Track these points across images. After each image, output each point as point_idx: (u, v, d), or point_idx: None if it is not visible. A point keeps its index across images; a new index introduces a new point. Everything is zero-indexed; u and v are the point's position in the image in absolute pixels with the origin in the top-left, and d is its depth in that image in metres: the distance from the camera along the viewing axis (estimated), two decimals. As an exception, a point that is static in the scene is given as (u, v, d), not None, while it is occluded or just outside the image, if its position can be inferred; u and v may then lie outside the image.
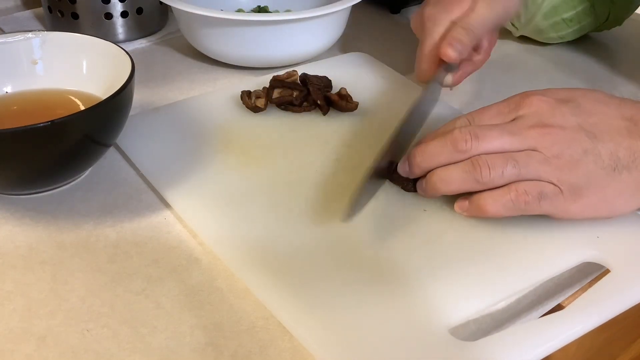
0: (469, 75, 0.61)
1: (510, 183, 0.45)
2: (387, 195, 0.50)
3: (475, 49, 0.60)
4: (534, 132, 0.45)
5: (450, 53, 0.55)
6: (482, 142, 0.45)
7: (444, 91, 0.60)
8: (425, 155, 0.47)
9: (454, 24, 0.57)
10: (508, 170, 0.45)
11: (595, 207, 0.45)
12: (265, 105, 0.60)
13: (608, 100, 0.47)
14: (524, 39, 0.79)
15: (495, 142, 0.45)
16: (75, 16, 0.73)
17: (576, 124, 0.45)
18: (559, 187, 0.45)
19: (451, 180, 0.46)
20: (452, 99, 0.65)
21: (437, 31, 0.57)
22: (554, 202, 0.45)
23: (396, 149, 0.50)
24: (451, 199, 0.49)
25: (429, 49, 0.57)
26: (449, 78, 0.58)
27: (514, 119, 0.47)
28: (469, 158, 0.45)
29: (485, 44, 0.61)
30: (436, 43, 0.57)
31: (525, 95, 0.48)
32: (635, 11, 0.80)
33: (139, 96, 0.65)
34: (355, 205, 0.45)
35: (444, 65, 0.57)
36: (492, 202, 0.46)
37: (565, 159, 0.44)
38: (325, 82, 0.63)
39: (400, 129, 0.49)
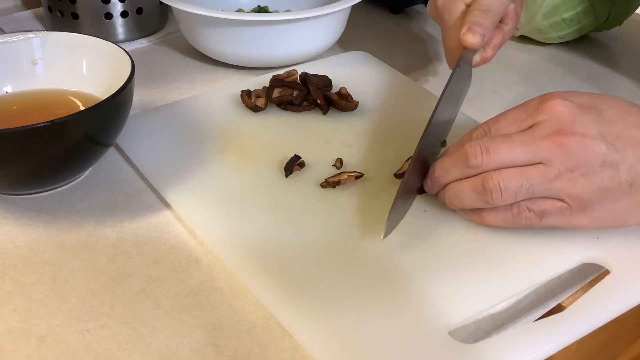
0: (501, 46, 0.58)
1: None
2: (387, 195, 0.50)
3: (501, 19, 0.57)
4: (551, 143, 0.43)
5: (472, 39, 0.53)
6: (493, 156, 0.43)
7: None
8: (441, 171, 0.47)
9: (469, 7, 0.55)
10: (522, 194, 0.43)
11: (604, 221, 0.44)
12: (265, 104, 0.60)
13: (631, 109, 0.45)
14: (524, 39, 0.79)
15: (507, 156, 0.43)
16: (75, 16, 0.73)
17: (598, 133, 0.43)
18: (567, 203, 0.43)
19: (463, 197, 0.45)
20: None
21: (454, 19, 0.55)
22: (559, 218, 0.44)
23: (431, 141, 0.49)
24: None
25: (451, 39, 0.55)
26: (477, 57, 0.56)
27: (532, 126, 0.44)
28: (481, 173, 0.44)
29: (511, 12, 0.58)
30: (457, 31, 0.54)
31: (546, 98, 0.45)
32: (635, 11, 0.79)
33: (139, 96, 0.65)
34: (396, 215, 0.45)
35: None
36: (493, 215, 0.45)
37: (580, 172, 0.42)
38: (325, 82, 0.63)
39: (435, 116, 0.48)
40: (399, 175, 0.52)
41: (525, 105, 0.46)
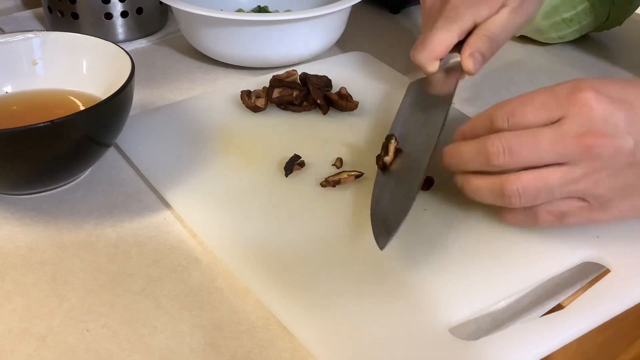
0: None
1: None
2: (387, 195, 0.50)
3: None
4: (580, 144, 0.40)
5: (472, 66, 0.53)
6: (516, 157, 0.41)
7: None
8: (458, 159, 0.45)
9: (477, 27, 0.55)
10: (542, 198, 0.42)
11: (624, 213, 0.44)
12: (265, 104, 0.60)
13: None
14: (524, 39, 0.79)
15: (532, 157, 0.41)
16: (75, 16, 0.73)
17: (627, 132, 0.41)
18: (589, 202, 0.43)
19: (482, 195, 0.44)
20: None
21: (458, 26, 0.55)
22: (579, 216, 0.43)
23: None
24: (452, 201, 0.49)
25: (444, 38, 0.54)
26: (469, 62, 0.55)
27: (560, 119, 0.41)
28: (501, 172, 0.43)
29: None
30: (451, 37, 0.54)
31: (578, 88, 0.41)
32: (636, 11, 0.79)
33: (139, 96, 0.65)
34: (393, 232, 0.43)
35: (449, 55, 0.55)
36: (512, 215, 0.45)
37: (607, 172, 0.41)
38: (325, 82, 0.63)
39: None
40: (379, 159, 0.51)
41: (554, 90, 0.42)
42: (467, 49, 0.54)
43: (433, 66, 0.56)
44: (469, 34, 0.56)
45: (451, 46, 0.56)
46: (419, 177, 0.45)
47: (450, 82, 0.54)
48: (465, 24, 0.55)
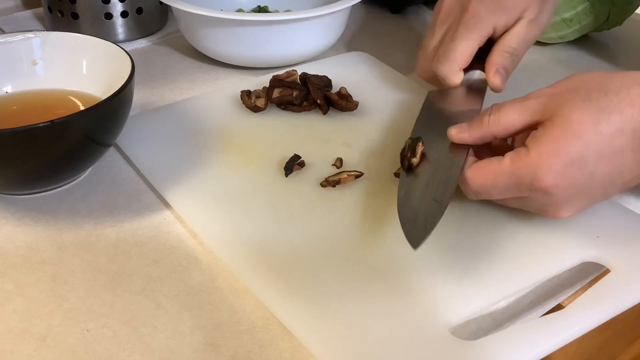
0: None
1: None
2: (387, 194, 0.50)
3: None
4: (541, 214, 0.46)
5: (499, 83, 0.54)
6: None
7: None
8: (466, 176, 0.46)
9: (497, 43, 0.55)
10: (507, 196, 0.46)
11: (583, 208, 0.45)
12: (265, 104, 0.60)
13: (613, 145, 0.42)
14: (524, 38, 0.79)
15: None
16: (75, 16, 0.73)
17: (584, 192, 0.43)
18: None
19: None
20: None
21: (479, 33, 0.55)
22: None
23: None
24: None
25: (466, 46, 0.54)
26: (496, 80, 0.55)
27: (523, 197, 0.45)
28: None
29: None
30: (473, 45, 0.55)
31: (536, 179, 0.42)
32: (636, 11, 0.80)
33: (139, 96, 0.65)
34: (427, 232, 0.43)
35: (473, 69, 0.55)
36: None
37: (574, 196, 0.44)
38: (325, 82, 0.63)
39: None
40: (398, 175, 0.52)
41: (518, 175, 0.43)
42: (491, 67, 0.54)
43: (457, 77, 0.55)
44: (488, 46, 0.56)
45: (473, 54, 0.55)
46: (450, 184, 0.45)
47: (476, 98, 0.55)
48: (485, 30, 0.55)
